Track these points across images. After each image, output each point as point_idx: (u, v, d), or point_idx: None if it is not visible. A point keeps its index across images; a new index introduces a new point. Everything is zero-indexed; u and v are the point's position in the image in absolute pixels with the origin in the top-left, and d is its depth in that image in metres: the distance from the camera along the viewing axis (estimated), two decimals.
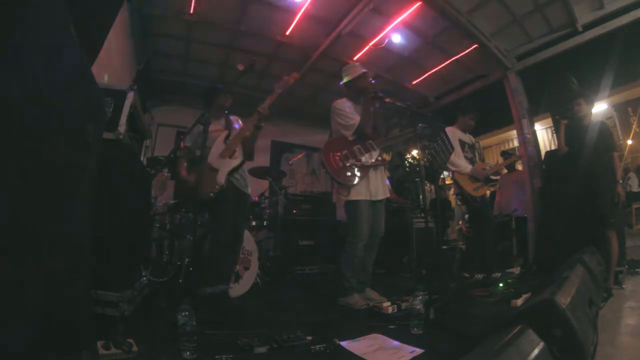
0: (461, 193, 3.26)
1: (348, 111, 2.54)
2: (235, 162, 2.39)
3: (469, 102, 3.59)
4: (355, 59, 4.75)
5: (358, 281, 2.46)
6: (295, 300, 2.87)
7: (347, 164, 2.42)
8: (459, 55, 4.70)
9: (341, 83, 2.70)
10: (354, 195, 2.44)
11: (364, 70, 2.60)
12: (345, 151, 2.45)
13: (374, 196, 2.49)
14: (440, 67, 5.03)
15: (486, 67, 4.85)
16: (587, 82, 3.93)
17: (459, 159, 3.20)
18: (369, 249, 2.50)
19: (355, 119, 2.51)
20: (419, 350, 1.45)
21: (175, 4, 3.76)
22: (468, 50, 4.53)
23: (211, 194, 2.27)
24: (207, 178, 2.31)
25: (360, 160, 2.45)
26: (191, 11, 3.83)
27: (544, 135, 7.15)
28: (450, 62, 4.87)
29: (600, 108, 6.63)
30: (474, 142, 3.50)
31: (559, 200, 3.56)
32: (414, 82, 5.47)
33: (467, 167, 3.20)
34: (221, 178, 2.33)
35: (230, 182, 2.41)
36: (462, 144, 3.32)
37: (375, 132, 2.60)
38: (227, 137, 2.48)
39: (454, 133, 3.28)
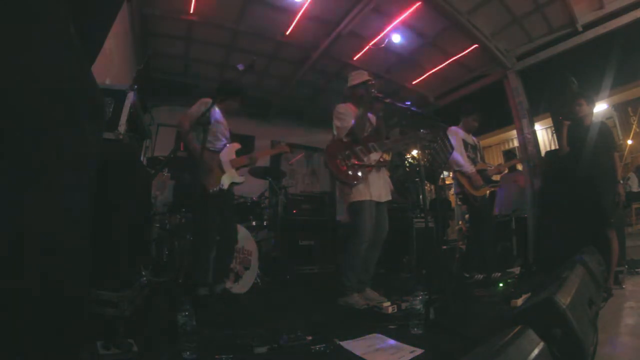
0: (462, 192, 3.27)
1: (345, 114, 2.60)
2: (240, 179, 2.65)
3: (473, 104, 3.60)
4: (355, 59, 4.75)
5: (358, 281, 2.46)
6: (295, 300, 2.86)
7: (349, 164, 2.46)
8: (459, 55, 4.70)
9: (345, 88, 2.77)
10: (357, 196, 2.46)
11: (366, 78, 2.65)
12: (348, 151, 2.50)
13: (377, 198, 2.52)
14: (440, 67, 5.03)
15: (486, 67, 4.85)
16: (587, 82, 3.93)
17: (462, 159, 3.21)
18: (372, 249, 2.51)
19: (349, 122, 2.55)
20: (419, 350, 1.45)
21: (175, 4, 3.76)
22: (468, 50, 4.53)
23: (215, 189, 2.45)
24: (215, 172, 2.49)
25: (362, 161, 2.50)
26: (191, 11, 3.83)
27: (544, 135, 7.14)
28: (451, 62, 4.87)
29: (600, 108, 6.62)
30: (476, 142, 3.51)
31: (559, 200, 3.55)
32: (414, 82, 5.47)
33: (469, 167, 3.21)
34: (226, 183, 2.54)
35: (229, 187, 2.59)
36: (465, 144, 3.32)
37: (378, 136, 2.64)
38: (238, 150, 2.69)
39: (457, 133, 3.29)
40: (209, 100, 2.47)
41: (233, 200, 2.81)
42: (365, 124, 2.58)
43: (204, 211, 2.43)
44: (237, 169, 2.65)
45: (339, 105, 2.67)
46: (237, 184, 2.63)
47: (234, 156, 2.64)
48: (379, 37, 4.30)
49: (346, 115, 2.59)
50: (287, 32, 4.23)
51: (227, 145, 2.65)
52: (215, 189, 2.44)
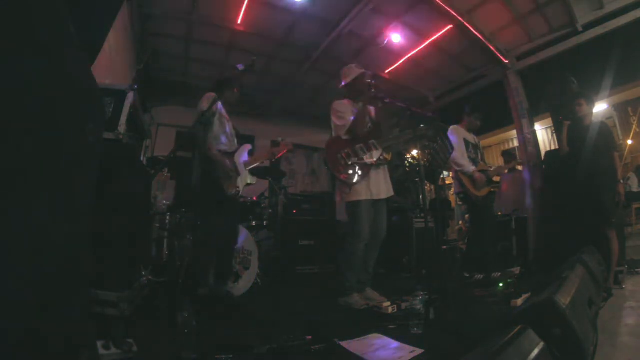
0: (464, 192, 3.26)
1: (344, 111, 2.55)
2: (253, 180, 2.65)
3: (476, 103, 3.58)
4: (355, 59, 4.75)
5: (358, 281, 2.46)
6: (295, 300, 2.87)
7: (349, 163, 2.43)
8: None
9: (340, 86, 2.71)
10: (355, 196, 2.44)
11: (362, 71, 2.61)
12: (348, 150, 2.46)
13: (376, 195, 2.49)
14: (439, 66, 5.03)
15: (486, 67, 4.85)
16: (587, 82, 3.92)
17: (462, 159, 3.19)
18: (371, 248, 2.50)
19: (349, 119, 2.51)
20: (419, 350, 1.45)
21: (175, 4, 3.76)
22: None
23: (232, 192, 2.46)
24: (232, 175, 2.48)
25: (362, 159, 2.46)
26: (191, 11, 3.83)
27: (544, 135, 7.15)
28: (450, 61, 4.87)
29: (600, 108, 6.62)
30: (477, 142, 3.50)
31: (559, 201, 3.55)
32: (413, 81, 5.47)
33: (470, 167, 3.20)
34: (241, 185, 2.54)
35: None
36: (467, 143, 3.30)
37: (379, 132, 2.60)
38: (250, 151, 2.70)
39: (459, 132, 3.27)
40: (213, 95, 2.45)
41: (239, 201, 2.82)
42: (365, 120, 2.54)
43: (216, 213, 2.43)
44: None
45: (337, 102, 2.61)
46: (249, 185, 2.63)
47: (246, 158, 2.64)
48: (379, 37, 4.30)
49: (345, 112, 2.54)
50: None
51: (240, 146, 2.65)
52: (232, 191, 2.44)
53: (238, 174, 2.53)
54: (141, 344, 1.39)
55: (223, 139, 2.53)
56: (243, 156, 2.62)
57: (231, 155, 2.55)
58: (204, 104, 2.41)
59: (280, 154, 2.81)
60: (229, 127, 2.61)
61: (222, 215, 2.46)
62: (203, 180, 2.37)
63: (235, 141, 2.68)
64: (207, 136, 2.38)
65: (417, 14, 3.94)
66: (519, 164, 4.65)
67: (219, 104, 2.53)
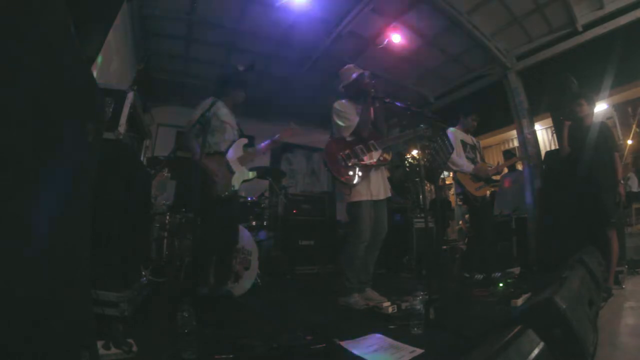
0: (463, 193, 3.26)
1: (347, 112, 2.54)
2: (250, 175, 2.57)
3: (471, 104, 3.60)
4: (355, 59, 4.75)
5: (359, 281, 2.46)
6: (295, 300, 2.87)
7: (349, 164, 2.42)
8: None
9: (340, 87, 2.70)
10: (355, 197, 2.44)
11: (361, 71, 2.61)
12: (348, 151, 2.46)
13: (376, 196, 2.49)
14: (439, 66, 5.03)
15: (486, 67, 4.85)
16: (587, 82, 3.92)
17: (460, 159, 3.19)
18: (371, 248, 2.50)
19: (354, 120, 2.50)
20: (419, 350, 1.45)
21: (175, 4, 3.76)
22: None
23: (226, 193, 2.38)
24: (225, 176, 2.42)
25: (362, 160, 2.46)
26: (191, 11, 3.83)
27: (544, 135, 7.14)
28: (450, 61, 4.88)
29: (600, 108, 6.61)
30: (475, 142, 3.50)
31: (559, 200, 3.55)
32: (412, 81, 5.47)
33: (469, 166, 3.20)
34: (237, 183, 2.47)
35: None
36: (464, 144, 3.31)
37: (377, 132, 2.60)
38: (246, 145, 2.60)
39: (455, 134, 3.28)
40: (210, 101, 2.43)
41: (239, 200, 2.78)
42: (369, 122, 2.53)
43: (211, 216, 2.39)
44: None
45: (339, 102, 2.59)
46: (248, 180, 2.55)
47: (241, 153, 2.55)
48: (378, 37, 4.30)
49: (349, 113, 2.53)
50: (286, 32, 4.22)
51: (234, 143, 2.56)
52: (226, 193, 2.38)
53: (232, 172, 2.45)
54: (141, 344, 1.39)
55: (220, 143, 2.47)
56: (237, 152, 2.53)
57: (223, 154, 2.46)
58: (199, 112, 2.39)
59: (284, 136, 2.71)
60: (229, 132, 2.52)
61: (218, 215, 2.41)
62: (195, 183, 2.35)
63: (231, 142, 2.59)
64: (196, 143, 2.34)
65: (417, 14, 3.94)
66: (519, 159, 4.65)
67: (219, 108, 2.47)
